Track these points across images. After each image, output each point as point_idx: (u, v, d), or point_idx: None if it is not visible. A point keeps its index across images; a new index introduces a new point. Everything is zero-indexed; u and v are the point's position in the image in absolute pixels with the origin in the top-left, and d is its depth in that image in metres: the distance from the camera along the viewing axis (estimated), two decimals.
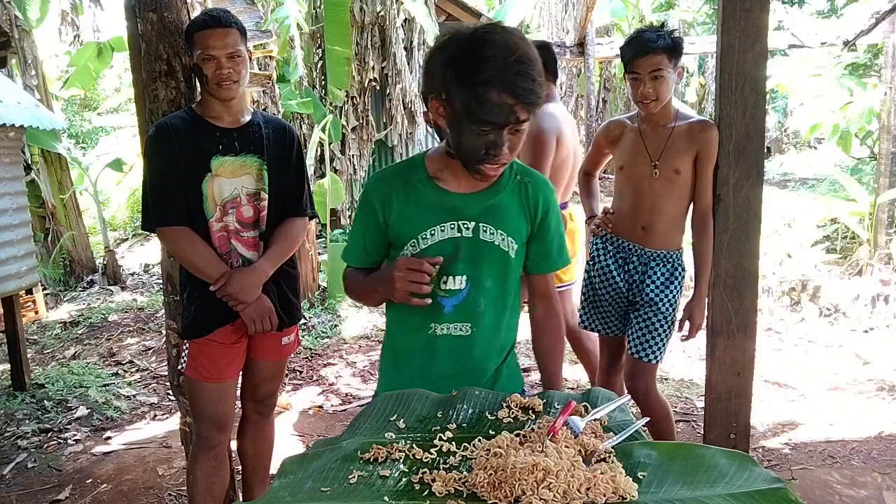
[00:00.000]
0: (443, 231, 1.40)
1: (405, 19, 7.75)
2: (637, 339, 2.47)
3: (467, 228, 1.40)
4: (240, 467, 2.43)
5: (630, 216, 2.51)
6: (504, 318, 1.49)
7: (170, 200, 2.01)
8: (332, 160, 7.44)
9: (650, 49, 2.27)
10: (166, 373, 3.29)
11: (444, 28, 1.38)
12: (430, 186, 1.42)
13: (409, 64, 7.76)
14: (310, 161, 6.21)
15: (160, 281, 4.76)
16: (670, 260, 2.49)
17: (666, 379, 3.78)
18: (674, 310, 2.49)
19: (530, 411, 1.10)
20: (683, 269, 2.53)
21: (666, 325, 2.47)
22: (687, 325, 2.48)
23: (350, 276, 1.55)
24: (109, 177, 8.64)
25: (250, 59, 2.09)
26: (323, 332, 4.92)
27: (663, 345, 2.48)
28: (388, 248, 1.50)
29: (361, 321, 5.14)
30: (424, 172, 1.43)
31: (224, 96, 2.01)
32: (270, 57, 5.49)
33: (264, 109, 4.72)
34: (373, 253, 1.50)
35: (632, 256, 2.52)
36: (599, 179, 2.90)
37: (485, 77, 1.20)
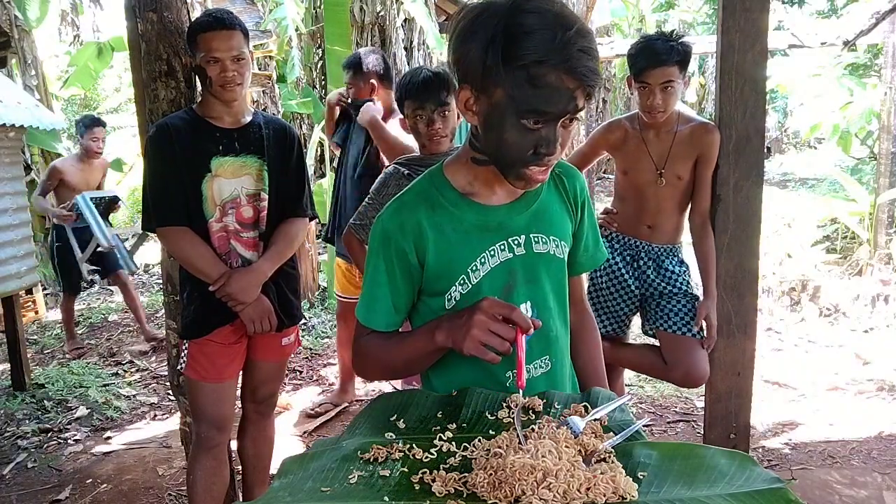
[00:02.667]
0: (493, 256, 1.14)
1: (405, 19, 7.75)
2: (676, 319, 2.41)
3: (518, 245, 1.16)
4: (240, 467, 2.43)
5: (635, 217, 2.51)
6: (568, 334, 1.28)
7: (170, 200, 2.01)
8: (332, 160, 7.43)
9: (662, 62, 2.21)
10: (166, 373, 3.29)
11: (463, 9, 1.09)
12: (464, 205, 1.15)
13: (409, 64, 7.75)
14: (310, 161, 6.22)
15: (160, 281, 4.76)
16: (677, 253, 2.52)
17: None
18: (696, 293, 2.49)
19: (530, 411, 1.10)
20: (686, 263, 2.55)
21: (696, 305, 2.45)
22: (703, 325, 2.44)
23: (374, 345, 1.18)
24: (109, 177, 8.63)
25: (251, 59, 2.09)
26: (323, 332, 4.92)
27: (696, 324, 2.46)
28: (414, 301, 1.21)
29: None
30: (451, 189, 1.15)
31: (228, 98, 2.01)
32: (270, 57, 5.49)
33: (264, 109, 4.72)
34: (403, 310, 1.19)
35: (640, 252, 2.52)
36: (599, 179, 2.91)
37: (540, 55, 0.95)
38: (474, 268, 1.14)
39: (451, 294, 1.15)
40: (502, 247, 1.15)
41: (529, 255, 1.17)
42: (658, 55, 2.21)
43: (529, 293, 1.17)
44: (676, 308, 2.43)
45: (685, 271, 2.50)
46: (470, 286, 1.14)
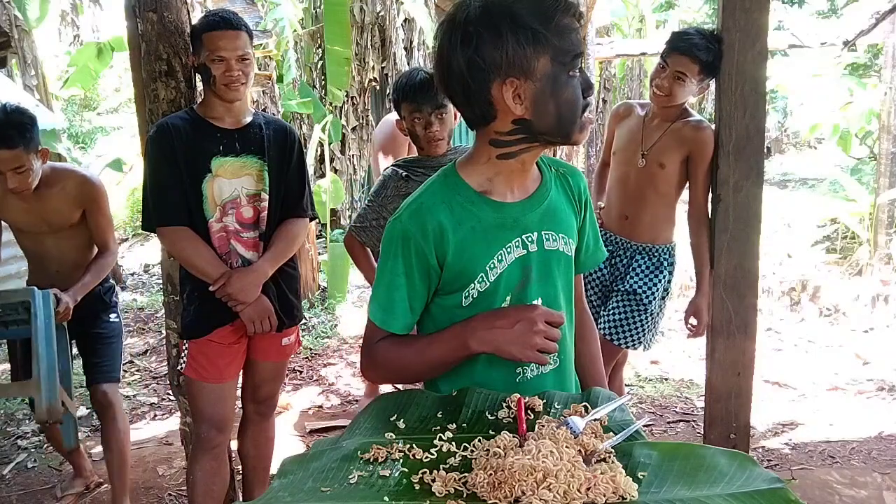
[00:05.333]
0: (509, 253, 1.15)
1: (405, 19, 7.76)
2: (610, 321, 2.50)
3: (532, 241, 1.17)
4: (240, 467, 2.43)
5: (616, 205, 2.58)
6: (573, 333, 1.30)
7: (170, 200, 2.01)
8: (332, 160, 7.43)
9: (688, 53, 2.27)
10: (166, 373, 3.29)
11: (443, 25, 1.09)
12: (482, 203, 1.14)
13: (409, 64, 7.75)
14: (310, 161, 6.22)
15: (160, 281, 4.75)
16: (656, 254, 2.53)
17: (666, 379, 3.78)
18: (653, 301, 2.52)
19: (530, 411, 1.10)
20: (672, 265, 2.57)
21: (643, 315, 2.50)
22: (692, 321, 2.48)
23: (391, 350, 1.17)
24: (109, 177, 8.64)
25: (254, 60, 2.10)
26: (323, 332, 4.92)
27: (636, 333, 2.51)
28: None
29: (361, 321, 5.13)
30: (468, 188, 1.15)
31: (231, 97, 2.02)
32: (270, 57, 5.50)
33: (264, 110, 4.71)
34: (418, 312, 1.18)
35: (618, 249, 2.58)
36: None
37: (560, 4, 1.05)
38: (492, 265, 1.14)
39: (468, 292, 1.15)
40: (517, 243, 1.16)
41: (542, 251, 1.18)
42: (690, 47, 2.26)
43: (541, 290, 1.18)
44: (614, 309, 2.50)
45: (657, 275, 2.52)
46: (488, 283, 1.15)
